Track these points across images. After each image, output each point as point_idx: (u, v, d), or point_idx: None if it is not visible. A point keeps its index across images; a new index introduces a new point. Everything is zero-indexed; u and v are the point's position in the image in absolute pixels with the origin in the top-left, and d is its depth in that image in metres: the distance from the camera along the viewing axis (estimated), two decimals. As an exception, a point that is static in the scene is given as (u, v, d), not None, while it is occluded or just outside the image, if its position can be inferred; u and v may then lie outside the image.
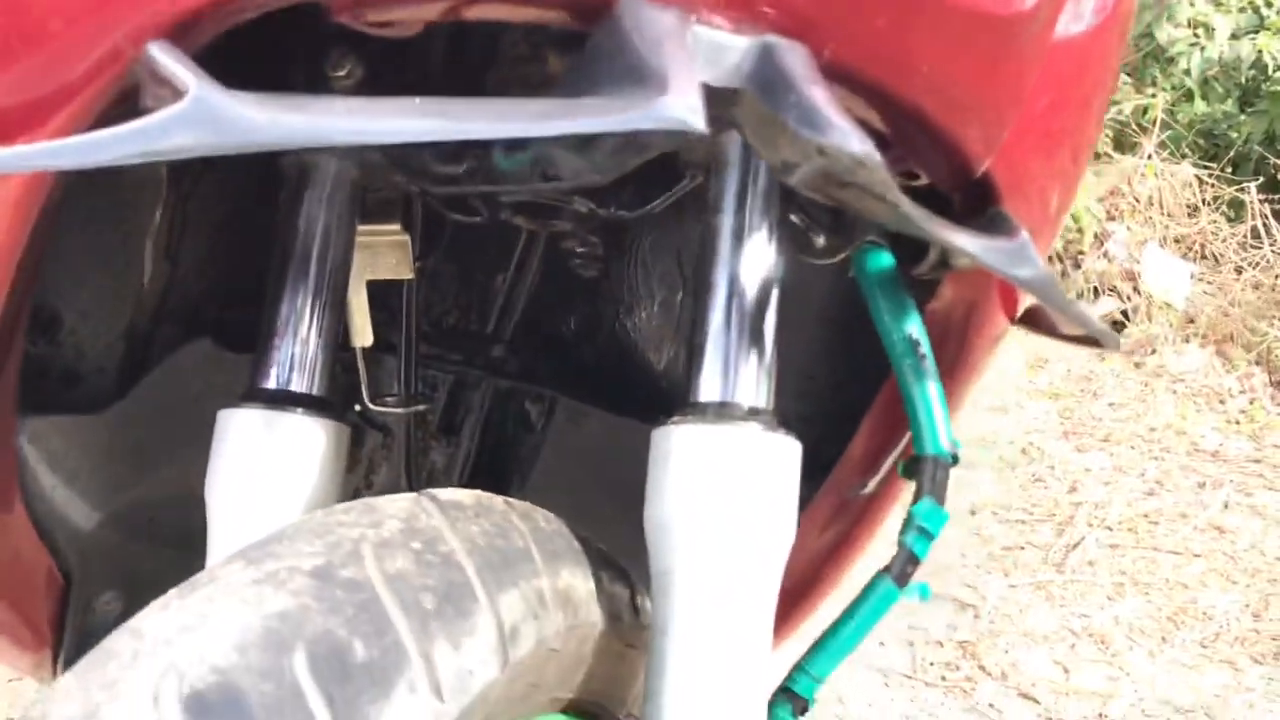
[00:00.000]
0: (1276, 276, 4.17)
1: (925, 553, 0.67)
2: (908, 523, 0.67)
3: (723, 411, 0.60)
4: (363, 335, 0.87)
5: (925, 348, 0.68)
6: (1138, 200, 4.49)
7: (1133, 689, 2.20)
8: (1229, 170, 4.49)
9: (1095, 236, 4.33)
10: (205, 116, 0.40)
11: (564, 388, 1.06)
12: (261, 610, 0.47)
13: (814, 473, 0.84)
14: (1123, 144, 4.70)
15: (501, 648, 0.53)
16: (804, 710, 0.69)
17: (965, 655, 2.27)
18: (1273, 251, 4.22)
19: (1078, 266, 4.31)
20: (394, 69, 0.69)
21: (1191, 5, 4.70)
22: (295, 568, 0.49)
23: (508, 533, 0.58)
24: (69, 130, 0.47)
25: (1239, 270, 4.24)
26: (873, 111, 0.58)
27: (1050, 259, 4.27)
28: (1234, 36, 4.58)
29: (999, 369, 3.65)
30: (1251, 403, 3.68)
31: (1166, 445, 3.35)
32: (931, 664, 2.23)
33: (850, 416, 0.83)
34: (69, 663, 0.81)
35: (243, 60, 0.54)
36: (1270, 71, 4.47)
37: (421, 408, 1.00)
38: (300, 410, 0.69)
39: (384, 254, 0.84)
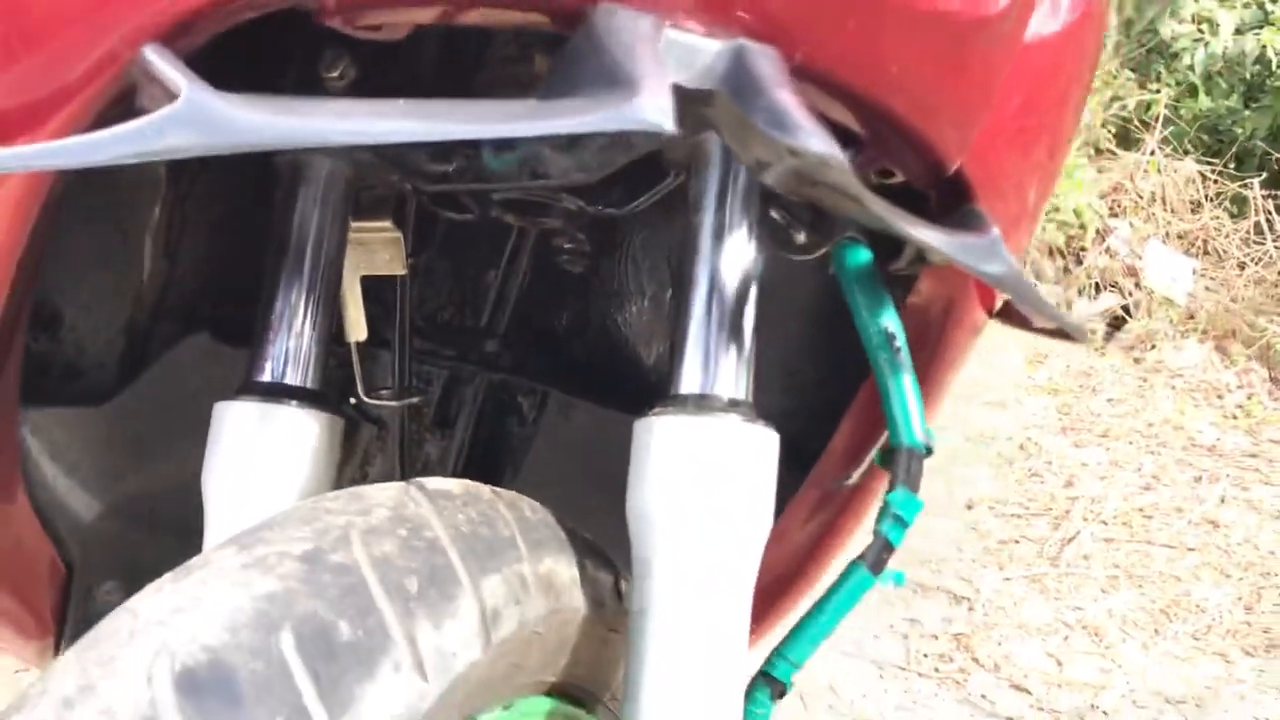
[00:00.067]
0: (1278, 272, 4.17)
1: (900, 540, 0.68)
2: (883, 511, 0.68)
3: (703, 403, 0.61)
4: (357, 330, 0.88)
5: (901, 341, 0.69)
6: (1140, 196, 4.48)
7: (1125, 680, 2.21)
8: (1232, 166, 4.49)
9: (1097, 232, 4.33)
10: (198, 118, 0.41)
11: (555, 382, 1.07)
12: (251, 592, 0.48)
13: (798, 466, 0.86)
14: (1126, 140, 4.69)
15: (484, 630, 0.55)
16: (782, 694, 0.70)
17: (959, 647, 2.28)
18: (1275, 247, 4.22)
19: (1080, 262, 4.31)
20: (386, 70, 0.70)
21: (1196, 1, 4.70)
22: (285, 552, 0.51)
23: (493, 520, 0.60)
24: (68, 131, 0.47)
25: (1241, 266, 4.24)
26: (847, 112, 0.59)
27: (1051, 254, 4.27)
28: (1238, 32, 4.58)
29: (998, 365, 3.66)
30: (1249, 398, 3.69)
31: (1164, 440, 3.36)
32: (925, 655, 2.24)
33: (834, 411, 0.84)
34: (71, 651, 0.82)
35: (240, 61, 0.56)
36: (1274, 67, 4.47)
37: (415, 400, 1.01)
38: (294, 403, 0.70)
39: (377, 251, 0.85)
